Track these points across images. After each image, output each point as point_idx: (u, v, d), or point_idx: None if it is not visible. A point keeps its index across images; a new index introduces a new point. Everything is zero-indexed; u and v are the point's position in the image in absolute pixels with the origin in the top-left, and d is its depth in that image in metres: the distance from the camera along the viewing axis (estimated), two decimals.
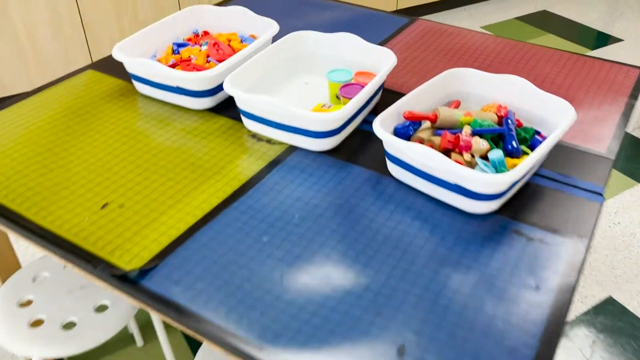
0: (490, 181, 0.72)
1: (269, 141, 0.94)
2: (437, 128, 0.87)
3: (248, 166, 0.88)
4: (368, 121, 0.99)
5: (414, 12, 3.10)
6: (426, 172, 0.79)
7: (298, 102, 1.03)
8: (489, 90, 0.95)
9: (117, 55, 1.00)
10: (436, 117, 0.86)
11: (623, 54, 2.77)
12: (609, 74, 1.14)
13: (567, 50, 1.53)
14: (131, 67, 1.01)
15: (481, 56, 1.20)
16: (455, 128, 0.87)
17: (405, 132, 0.86)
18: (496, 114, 0.90)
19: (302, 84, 1.09)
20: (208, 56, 1.10)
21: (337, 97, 1.02)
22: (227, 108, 1.03)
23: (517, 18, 3.13)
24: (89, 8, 2.20)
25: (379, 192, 0.83)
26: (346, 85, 0.99)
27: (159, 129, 0.96)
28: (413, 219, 0.79)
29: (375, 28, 1.34)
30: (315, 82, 1.09)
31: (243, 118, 0.95)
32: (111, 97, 1.05)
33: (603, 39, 2.90)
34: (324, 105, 0.95)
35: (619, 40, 2.90)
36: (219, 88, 1.00)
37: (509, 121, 0.87)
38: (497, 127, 0.86)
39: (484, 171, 0.78)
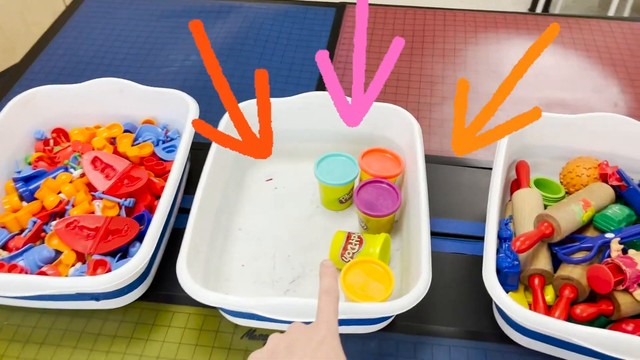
0: None
1: None
2: (554, 243, 0.55)
3: None
4: None
5: None
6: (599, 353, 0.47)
7: (287, 226, 0.62)
8: (564, 137, 0.64)
9: None
10: (553, 230, 0.53)
11: None
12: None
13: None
14: None
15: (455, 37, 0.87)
16: (572, 231, 0.55)
17: (514, 270, 0.52)
18: (607, 183, 0.59)
19: (264, 184, 0.67)
20: (91, 189, 0.62)
21: (340, 202, 0.63)
22: (169, 282, 0.58)
23: None
24: None
25: None
26: (363, 186, 0.60)
27: None
28: None
29: (305, 26, 0.92)
30: (278, 170, 0.68)
31: (226, 315, 0.53)
32: None
33: None
34: (352, 238, 0.56)
35: None
36: (150, 267, 0.55)
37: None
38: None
39: None
